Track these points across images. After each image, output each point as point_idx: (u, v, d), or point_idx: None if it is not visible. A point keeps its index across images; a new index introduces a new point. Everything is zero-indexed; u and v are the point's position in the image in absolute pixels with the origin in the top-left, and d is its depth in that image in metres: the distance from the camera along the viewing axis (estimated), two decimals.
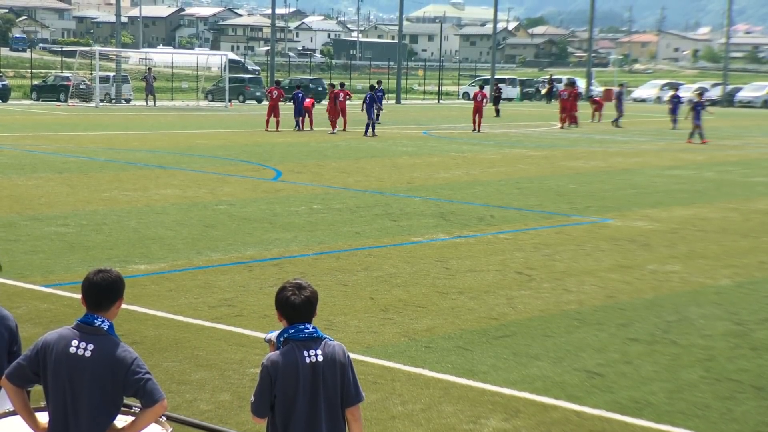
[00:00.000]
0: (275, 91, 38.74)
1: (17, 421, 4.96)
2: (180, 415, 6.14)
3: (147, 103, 55.93)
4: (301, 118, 39.43)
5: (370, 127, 37.10)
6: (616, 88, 54.58)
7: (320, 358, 4.70)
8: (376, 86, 41.66)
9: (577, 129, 43.84)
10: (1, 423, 4.93)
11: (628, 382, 8.73)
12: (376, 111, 38.52)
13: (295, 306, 4.71)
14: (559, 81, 66.21)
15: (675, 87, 50.81)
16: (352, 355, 9.08)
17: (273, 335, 4.84)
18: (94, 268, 4.76)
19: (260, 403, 4.72)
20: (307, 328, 4.74)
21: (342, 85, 42.80)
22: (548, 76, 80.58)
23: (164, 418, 5.05)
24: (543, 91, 73.78)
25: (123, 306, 10.96)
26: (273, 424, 4.78)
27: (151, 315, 10.42)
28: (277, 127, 37.99)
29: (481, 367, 8.97)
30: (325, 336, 4.82)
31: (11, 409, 5.26)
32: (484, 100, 41.77)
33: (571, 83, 51.14)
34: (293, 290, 4.73)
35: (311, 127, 39.16)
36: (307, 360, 4.68)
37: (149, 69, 58.36)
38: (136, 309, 10.61)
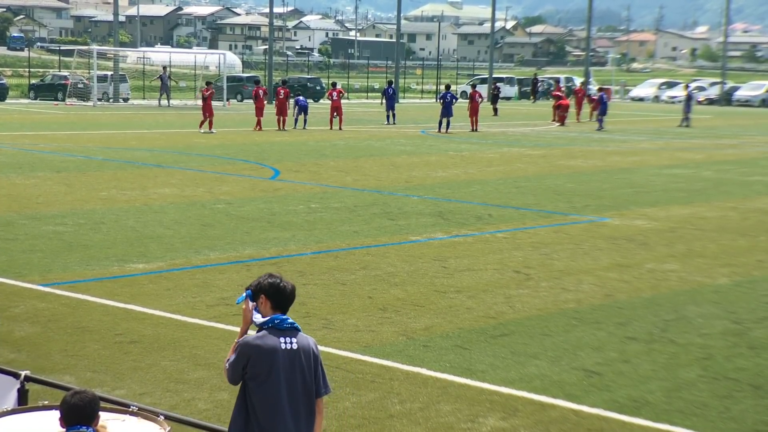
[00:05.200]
0: (261, 91, 38.43)
1: (17, 420, 4.95)
2: (178, 414, 6.14)
3: (161, 103, 55.80)
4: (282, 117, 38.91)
5: (444, 124, 39.12)
6: (682, 93, 54.15)
7: (295, 347, 4.95)
8: (445, 89, 41.56)
9: (575, 128, 43.86)
10: (1, 422, 4.93)
11: (626, 380, 8.74)
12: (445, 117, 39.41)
13: (286, 293, 4.99)
14: (557, 80, 66.17)
15: (606, 87, 50.51)
16: (350, 354, 9.15)
17: (251, 307, 5.03)
18: (70, 390, 4.73)
19: (233, 373, 4.97)
20: (289, 320, 5.00)
21: (334, 84, 42.92)
22: (533, 75, 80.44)
23: (162, 417, 5.05)
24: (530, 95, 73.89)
25: (121, 305, 10.97)
26: (243, 399, 4.96)
27: (149, 314, 10.42)
28: (283, 126, 37.92)
29: (479, 366, 8.97)
30: (300, 328, 5.06)
31: (9, 408, 5.26)
32: (481, 99, 41.80)
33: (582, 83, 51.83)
34: (280, 280, 5.02)
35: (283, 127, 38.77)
36: (283, 346, 4.92)
37: (165, 68, 58.17)
38: (134, 308, 10.61)
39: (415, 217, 17.47)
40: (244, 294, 5.07)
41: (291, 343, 4.94)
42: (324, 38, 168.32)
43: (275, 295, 4.99)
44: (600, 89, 46.77)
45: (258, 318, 5.02)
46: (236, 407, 5.01)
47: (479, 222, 17.20)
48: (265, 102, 38.86)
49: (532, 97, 72.33)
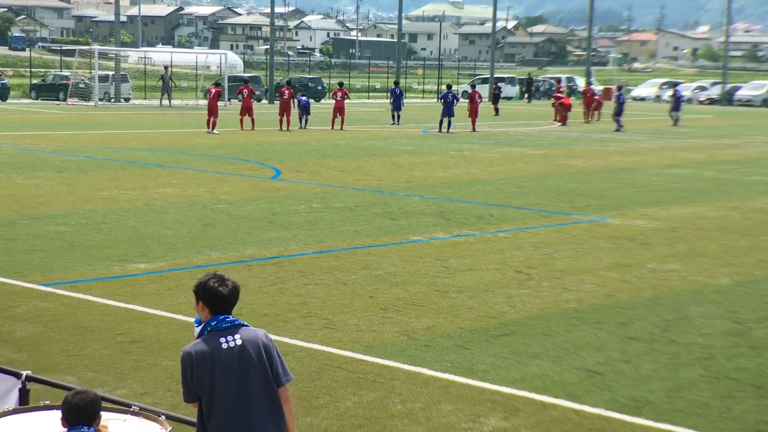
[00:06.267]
0: (245, 90, 38.15)
1: (19, 420, 4.96)
2: (179, 414, 6.13)
3: (162, 103, 55.85)
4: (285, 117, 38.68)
5: (445, 124, 39.20)
6: (669, 92, 54.64)
7: (239, 342, 4.82)
8: (446, 89, 41.40)
9: (577, 128, 43.86)
10: (2, 422, 4.93)
11: (627, 380, 8.73)
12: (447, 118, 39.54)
13: (224, 297, 4.85)
14: (558, 80, 66.19)
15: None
16: (351, 354, 9.14)
17: (197, 331, 4.99)
18: (72, 390, 4.74)
19: (185, 391, 4.90)
20: (228, 318, 4.87)
21: (340, 84, 42.83)
22: (528, 75, 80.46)
23: (164, 417, 5.05)
24: (525, 96, 74.02)
25: (123, 305, 10.97)
26: (200, 410, 4.91)
27: (151, 314, 10.42)
28: (288, 126, 37.88)
29: (481, 366, 8.97)
30: (245, 324, 4.93)
31: (10, 408, 5.27)
32: (480, 100, 41.76)
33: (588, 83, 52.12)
34: (219, 281, 4.87)
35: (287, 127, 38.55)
36: (224, 345, 4.80)
37: (166, 68, 58.27)
38: (136, 308, 10.62)
39: (417, 217, 17.47)
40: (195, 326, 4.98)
41: (233, 340, 4.80)
42: (325, 38, 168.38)
43: (211, 300, 4.85)
44: (618, 88, 46.86)
45: (196, 331, 4.94)
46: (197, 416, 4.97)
47: (480, 222, 17.20)
48: (253, 101, 38.56)
49: (527, 97, 72.56)
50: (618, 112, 42.53)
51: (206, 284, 4.87)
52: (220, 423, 4.81)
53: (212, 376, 4.78)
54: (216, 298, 4.85)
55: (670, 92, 53.13)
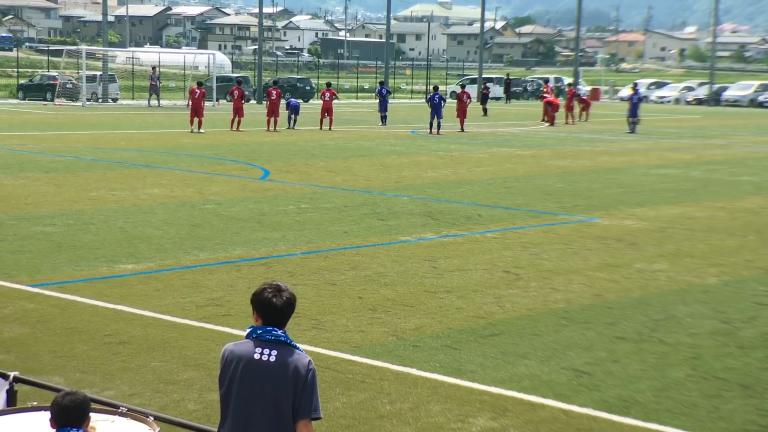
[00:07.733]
0: (236, 91, 37.99)
1: (6, 421, 4.94)
2: (168, 414, 6.12)
3: (150, 103, 55.74)
4: (273, 119, 38.39)
5: (435, 126, 39.08)
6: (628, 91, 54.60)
7: (272, 359, 4.63)
8: (433, 90, 41.25)
9: (565, 128, 43.94)
10: (1, 421, 4.92)
11: (615, 380, 8.75)
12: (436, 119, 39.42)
13: (277, 308, 4.68)
14: (546, 80, 66.29)
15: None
16: (339, 355, 9.14)
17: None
18: (61, 391, 4.71)
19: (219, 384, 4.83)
20: (276, 331, 4.68)
21: (328, 85, 42.79)
22: (506, 76, 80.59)
23: (152, 418, 5.05)
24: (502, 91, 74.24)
25: (111, 306, 10.93)
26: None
27: (139, 315, 10.40)
28: (275, 127, 37.83)
29: (469, 366, 8.98)
30: (295, 345, 4.73)
31: (6, 408, 5.26)
32: (469, 100, 41.72)
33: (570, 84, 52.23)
34: (274, 292, 4.71)
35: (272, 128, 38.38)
36: (256, 356, 4.65)
37: (154, 68, 58.15)
38: (124, 309, 10.59)
39: (405, 218, 17.47)
40: None
41: (269, 355, 4.63)
42: (314, 38, 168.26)
43: (263, 310, 4.70)
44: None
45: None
46: None
47: (469, 222, 17.21)
48: (243, 102, 38.52)
49: (504, 96, 72.82)
50: (635, 113, 42.50)
51: (261, 294, 4.72)
52: (229, 424, 4.74)
53: (232, 379, 4.69)
54: (268, 309, 4.69)
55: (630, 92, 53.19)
